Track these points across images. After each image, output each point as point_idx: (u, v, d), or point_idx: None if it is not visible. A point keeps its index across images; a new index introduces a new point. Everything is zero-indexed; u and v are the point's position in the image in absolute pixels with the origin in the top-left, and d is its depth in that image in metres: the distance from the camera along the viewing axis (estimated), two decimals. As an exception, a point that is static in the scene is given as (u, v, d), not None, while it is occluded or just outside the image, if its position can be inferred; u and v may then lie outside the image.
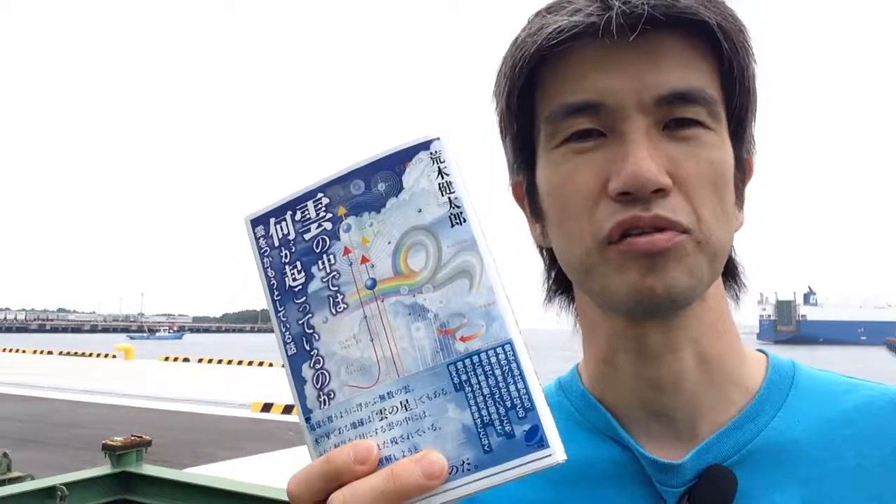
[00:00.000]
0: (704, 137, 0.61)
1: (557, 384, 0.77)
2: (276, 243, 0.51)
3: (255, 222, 0.52)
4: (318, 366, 0.49)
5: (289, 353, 0.50)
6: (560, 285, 0.75)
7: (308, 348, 0.49)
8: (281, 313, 0.50)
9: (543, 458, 0.42)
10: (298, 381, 0.49)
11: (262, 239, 0.52)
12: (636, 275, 0.59)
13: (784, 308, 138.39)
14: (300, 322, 0.50)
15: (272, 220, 0.51)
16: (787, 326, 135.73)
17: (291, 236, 0.50)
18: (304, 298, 0.50)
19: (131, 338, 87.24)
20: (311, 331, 0.49)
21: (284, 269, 0.50)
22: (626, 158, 0.58)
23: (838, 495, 0.62)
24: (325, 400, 0.48)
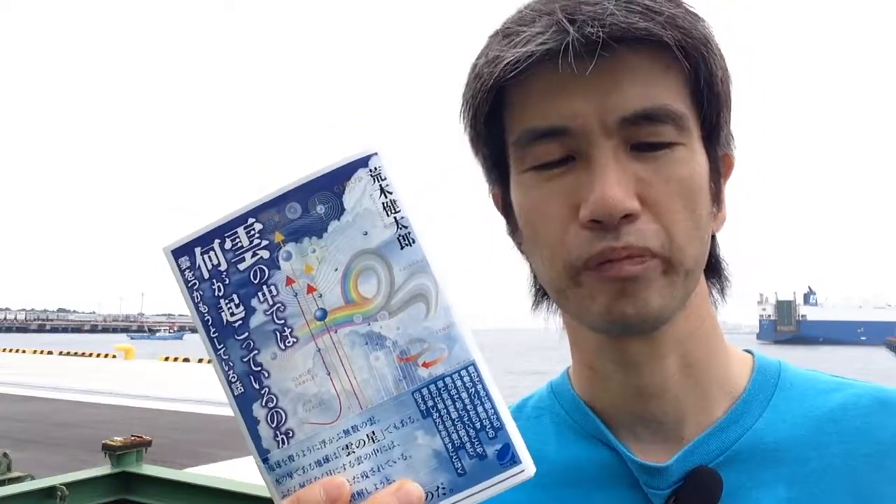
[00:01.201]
0: (674, 154, 0.60)
1: (549, 388, 0.78)
2: (206, 275, 0.47)
3: (178, 253, 0.48)
4: (271, 404, 0.46)
5: (235, 393, 0.47)
6: (546, 292, 0.75)
7: (258, 387, 0.46)
8: (221, 351, 0.47)
9: (517, 474, 0.43)
10: (250, 422, 0.46)
11: (188, 271, 0.48)
12: (607, 299, 0.60)
13: (784, 308, 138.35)
14: (245, 360, 0.47)
15: (198, 250, 0.48)
16: (787, 326, 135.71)
17: (223, 267, 0.47)
18: (247, 334, 0.47)
19: (131, 338, 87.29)
20: (259, 368, 0.46)
21: (219, 303, 0.47)
22: (592, 185, 0.58)
23: (824, 494, 0.62)
24: (283, 440, 0.46)
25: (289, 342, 0.46)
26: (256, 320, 0.46)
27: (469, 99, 0.64)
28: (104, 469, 3.81)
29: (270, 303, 0.46)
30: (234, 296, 0.47)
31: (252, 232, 0.47)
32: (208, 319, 0.47)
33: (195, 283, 0.48)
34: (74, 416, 13.20)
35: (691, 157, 0.61)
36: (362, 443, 0.45)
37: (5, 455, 4.95)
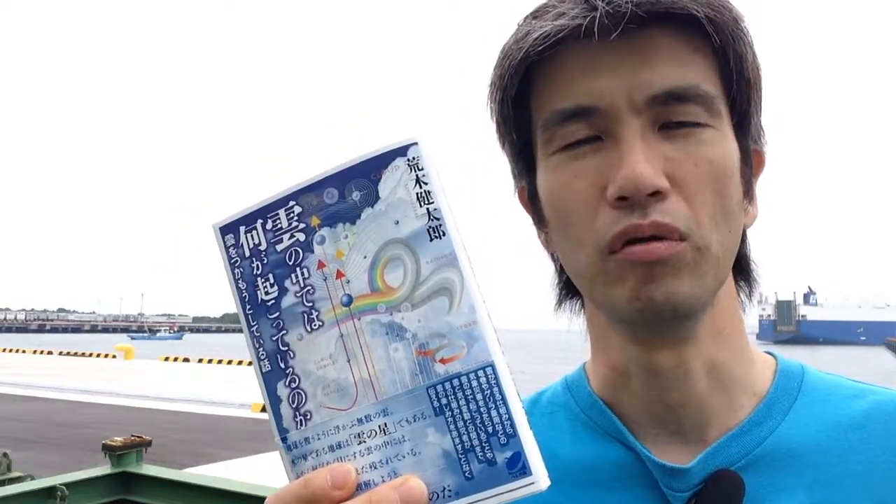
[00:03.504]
0: (703, 135, 0.59)
1: (564, 383, 0.77)
2: (247, 253, 0.49)
3: (225, 230, 0.50)
4: (293, 385, 0.47)
5: (263, 371, 0.48)
6: (570, 290, 0.74)
7: (283, 366, 0.47)
8: (254, 328, 0.48)
9: (526, 485, 0.41)
10: (274, 400, 0.47)
11: (232, 248, 0.49)
12: (635, 283, 0.58)
13: (784, 308, 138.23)
14: (274, 338, 0.47)
15: (242, 229, 0.49)
16: (787, 326, 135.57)
17: (263, 247, 0.48)
18: (278, 314, 0.47)
19: (132, 338, 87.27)
20: (286, 348, 0.47)
21: (256, 281, 0.48)
22: (620, 163, 0.58)
23: (846, 500, 0.61)
24: (301, 420, 0.46)
25: (315, 325, 0.46)
26: (287, 301, 0.47)
27: (497, 80, 0.63)
28: (104, 469, 3.82)
29: (301, 285, 0.47)
30: (270, 275, 0.48)
31: (292, 214, 0.47)
32: (245, 296, 0.48)
33: (237, 261, 0.49)
34: (74, 416, 13.19)
35: (721, 141, 0.60)
36: (374, 433, 0.44)
37: (5, 455, 4.95)
